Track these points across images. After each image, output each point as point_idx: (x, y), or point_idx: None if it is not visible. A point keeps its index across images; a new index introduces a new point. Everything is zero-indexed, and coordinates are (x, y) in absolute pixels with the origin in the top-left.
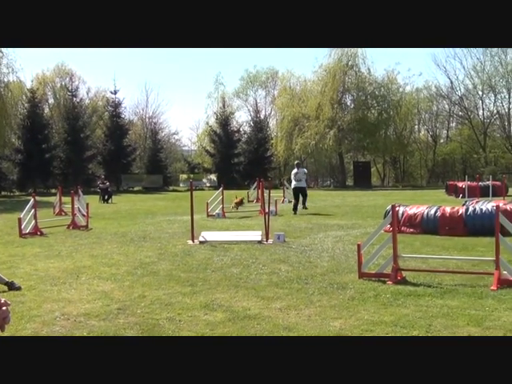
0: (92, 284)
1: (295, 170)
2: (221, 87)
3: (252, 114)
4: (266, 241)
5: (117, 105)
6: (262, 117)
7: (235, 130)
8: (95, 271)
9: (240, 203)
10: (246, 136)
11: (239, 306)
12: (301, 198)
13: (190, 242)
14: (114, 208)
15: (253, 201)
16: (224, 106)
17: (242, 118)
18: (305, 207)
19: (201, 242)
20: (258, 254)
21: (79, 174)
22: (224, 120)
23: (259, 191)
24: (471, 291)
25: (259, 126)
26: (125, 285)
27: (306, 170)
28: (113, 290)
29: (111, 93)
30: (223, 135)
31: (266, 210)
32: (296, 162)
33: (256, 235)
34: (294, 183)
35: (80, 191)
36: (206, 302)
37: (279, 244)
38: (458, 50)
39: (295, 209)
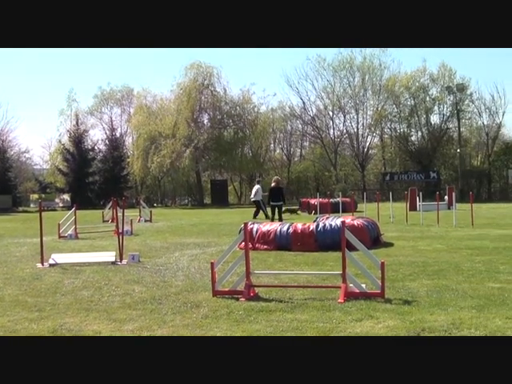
0: None
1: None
2: (74, 104)
3: (107, 132)
4: (120, 261)
5: None
6: (118, 135)
7: (90, 148)
8: None
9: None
10: (101, 154)
11: (89, 330)
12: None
13: (39, 265)
14: None
15: (108, 220)
16: (77, 123)
17: (96, 136)
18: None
19: (51, 265)
20: (112, 276)
21: None
22: (78, 138)
23: (114, 211)
24: (320, 304)
25: (115, 144)
26: None
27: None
28: None
29: None
30: (77, 154)
31: (120, 230)
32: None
33: (110, 256)
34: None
35: None
36: (54, 327)
37: (134, 264)
38: (309, 72)
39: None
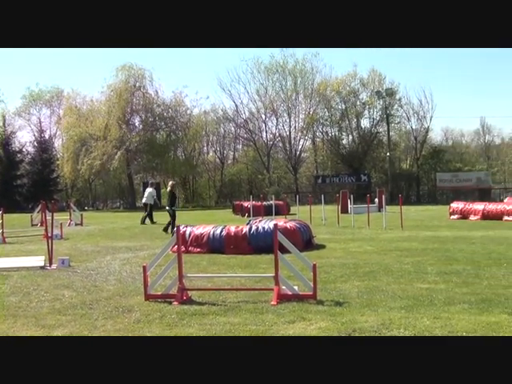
0: None
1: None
2: (1, 105)
3: (36, 133)
4: (50, 266)
5: None
6: (47, 137)
7: (17, 150)
8: None
9: None
10: (29, 157)
11: (18, 335)
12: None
13: None
14: None
15: (37, 224)
16: (4, 124)
17: (24, 138)
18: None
19: None
20: (40, 281)
21: None
22: (5, 140)
23: (43, 214)
24: (253, 307)
25: (44, 146)
26: None
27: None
28: None
29: None
30: (4, 156)
31: (49, 234)
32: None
33: (38, 260)
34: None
35: None
36: None
37: (63, 269)
38: (242, 75)
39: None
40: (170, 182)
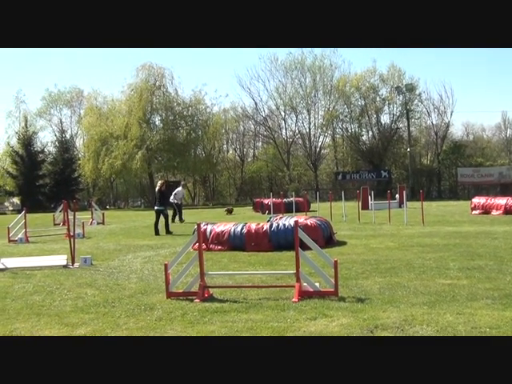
0: None
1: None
2: (22, 106)
3: (57, 133)
4: (72, 265)
5: None
6: (69, 137)
7: (39, 150)
8: None
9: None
10: (51, 157)
11: (41, 335)
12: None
13: None
14: None
15: (59, 224)
16: (26, 125)
17: (46, 138)
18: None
19: (0, 270)
20: (63, 279)
21: None
22: (27, 140)
23: (65, 213)
24: (274, 304)
25: (65, 146)
26: None
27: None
28: None
29: None
30: (26, 156)
31: (72, 233)
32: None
33: (61, 259)
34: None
35: None
36: (4, 333)
37: (86, 267)
38: (261, 72)
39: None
40: (159, 182)
